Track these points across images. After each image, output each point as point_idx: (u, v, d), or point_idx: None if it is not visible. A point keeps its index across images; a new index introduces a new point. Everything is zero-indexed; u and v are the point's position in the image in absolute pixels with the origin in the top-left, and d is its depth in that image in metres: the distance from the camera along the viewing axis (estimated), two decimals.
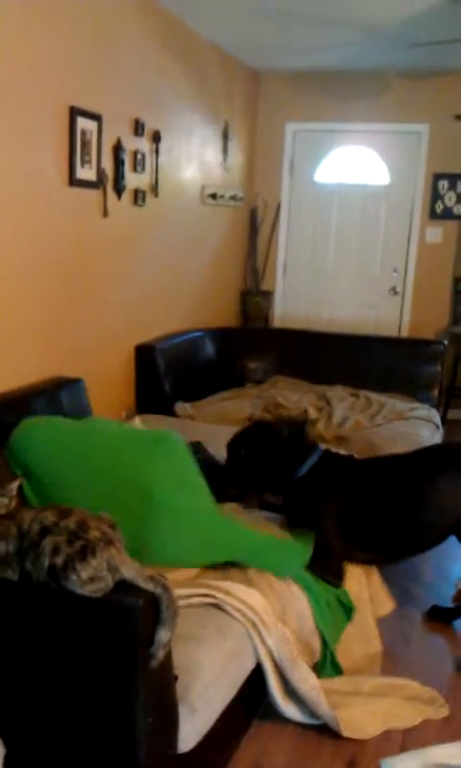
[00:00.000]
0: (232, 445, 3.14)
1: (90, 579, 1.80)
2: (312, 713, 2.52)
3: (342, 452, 3.22)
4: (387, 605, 3.22)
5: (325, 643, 2.73)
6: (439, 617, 3.30)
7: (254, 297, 6.42)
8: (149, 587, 1.82)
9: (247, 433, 3.16)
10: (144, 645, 1.80)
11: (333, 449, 3.22)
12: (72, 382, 3.52)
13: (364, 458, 3.29)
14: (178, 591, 2.27)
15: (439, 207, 6.24)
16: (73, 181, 3.71)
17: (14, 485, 2.41)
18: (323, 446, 3.14)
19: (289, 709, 2.51)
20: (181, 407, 4.50)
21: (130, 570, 1.84)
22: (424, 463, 3.12)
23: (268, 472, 3.07)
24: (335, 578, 2.87)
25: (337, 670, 2.75)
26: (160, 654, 1.80)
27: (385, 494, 2.99)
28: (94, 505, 2.53)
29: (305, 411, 4.60)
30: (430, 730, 2.60)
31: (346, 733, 2.49)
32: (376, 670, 2.89)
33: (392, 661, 2.99)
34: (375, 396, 4.91)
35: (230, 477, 3.12)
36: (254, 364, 5.25)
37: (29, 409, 3.04)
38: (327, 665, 2.74)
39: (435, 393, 5.22)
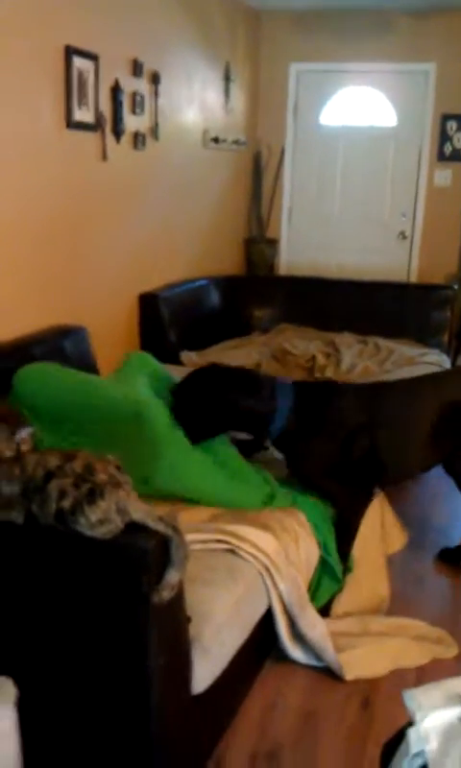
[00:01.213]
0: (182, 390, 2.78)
1: (100, 521, 1.77)
2: (318, 657, 2.53)
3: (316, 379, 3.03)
4: (400, 539, 3.22)
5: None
6: (449, 559, 3.29)
7: (258, 244, 6.31)
8: (159, 527, 1.79)
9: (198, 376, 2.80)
10: (154, 586, 1.78)
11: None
12: (74, 331, 3.47)
13: (350, 383, 3.17)
14: (191, 536, 2.25)
15: (448, 149, 6.08)
16: (70, 124, 3.60)
17: (25, 431, 2.37)
18: (287, 379, 2.83)
19: (296, 653, 2.54)
20: (186, 356, 4.44)
21: (139, 512, 1.80)
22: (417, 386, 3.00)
23: (229, 414, 2.71)
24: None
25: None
26: (166, 594, 1.77)
27: (378, 417, 2.81)
28: (99, 441, 2.54)
29: (313, 358, 4.54)
30: (444, 669, 2.61)
31: (349, 677, 2.51)
32: (383, 611, 2.90)
33: (403, 602, 2.99)
34: (383, 342, 4.85)
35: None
36: (260, 312, 5.18)
37: (30, 357, 2.99)
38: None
39: (445, 338, 5.15)
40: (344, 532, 2.81)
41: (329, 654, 2.50)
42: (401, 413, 2.87)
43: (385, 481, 3.05)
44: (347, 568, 2.84)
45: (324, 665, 2.54)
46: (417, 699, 1.13)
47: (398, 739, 1.16)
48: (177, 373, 3.06)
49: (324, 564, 2.73)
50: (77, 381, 2.83)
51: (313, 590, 2.71)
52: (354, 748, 2.27)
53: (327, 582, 2.74)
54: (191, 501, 2.62)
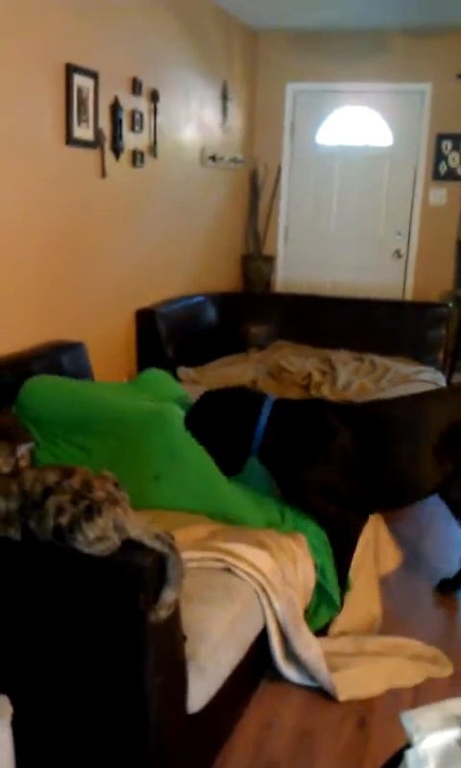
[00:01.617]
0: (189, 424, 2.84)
1: (97, 539, 1.77)
2: (312, 677, 2.52)
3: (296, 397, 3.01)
4: (394, 559, 3.21)
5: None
6: (448, 589, 3.24)
7: (255, 261, 6.34)
8: (156, 545, 1.78)
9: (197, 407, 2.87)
10: (151, 604, 1.77)
11: (287, 397, 2.97)
12: (73, 346, 3.47)
13: (331, 401, 3.14)
14: (187, 554, 2.25)
15: (443, 168, 6.13)
16: (70, 140, 3.63)
17: (24, 447, 2.39)
18: (273, 396, 2.85)
19: (290, 672, 2.53)
20: (183, 372, 4.45)
21: (136, 529, 1.80)
22: (416, 405, 2.94)
23: (225, 436, 2.76)
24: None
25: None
26: (163, 613, 1.76)
27: (374, 438, 2.79)
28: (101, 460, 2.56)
29: (309, 375, 4.55)
30: (440, 689, 2.60)
31: (342, 698, 2.50)
32: (376, 630, 2.88)
33: (399, 621, 2.98)
34: (379, 360, 4.86)
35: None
36: (256, 328, 5.19)
37: (29, 372, 3.00)
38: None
39: (440, 356, 5.17)
40: (339, 555, 2.77)
41: (323, 674, 2.49)
42: (399, 433, 2.84)
43: (384, 504, 3.00)
44: (345, 588, 2.82)
45: (318, 685, 2.53)
46: (415, 721, 1.13)
47: (395, 761, 1.16)
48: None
49: (322, 589, 2.71)
50: (81, 394, 2.86)
51: (312, 612, 2.70)
52: (349, 766, 2.26)
53: (325, 606, 2.73)
54: (192, 511, 2.62)
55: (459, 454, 2.83)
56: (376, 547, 3.10)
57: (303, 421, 2.78)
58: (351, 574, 2.87)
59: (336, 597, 2.74)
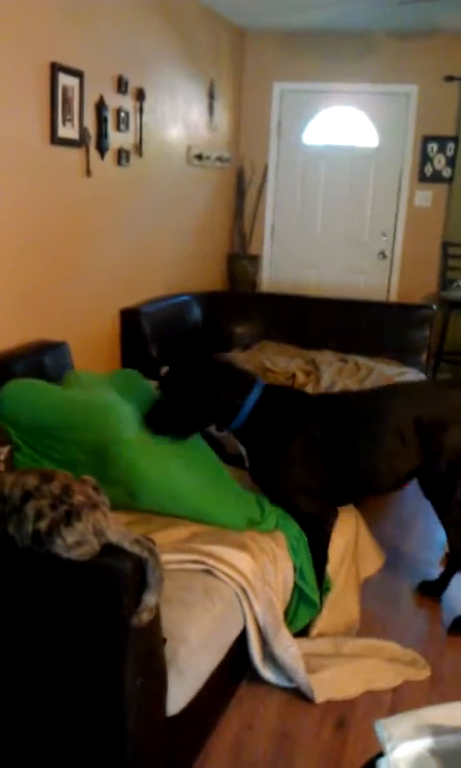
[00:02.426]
0: (167, 378, 2.91)
1: (76, 543, 1.77)
2: (289, 678, 2.53)
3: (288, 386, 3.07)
4: (376, 562, 3.22)
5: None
6: (429, 592, 3.26)
7: (241, 261, 6.34)
8: (135, 550, 1.79)
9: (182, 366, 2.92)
10: (132, 608, 1.77)
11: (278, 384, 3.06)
12: (56, 346, 3.46)
13: (316, 393, 3.17)
14: (167, 557, 2.25)
15: (428, 170, 6.16)
16: (55, 140, 3.61)
17: (4, 450, 2.38)
18: (263, 381, 2.93)
19: (267, 673, 2.53)
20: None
21: (115, 534, 1.80)
22: (379, 398, 2.99)
23: (206, 407, 2.81)
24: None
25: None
26: (145, 616, 1.77)
27: (339, 430, 2.85)
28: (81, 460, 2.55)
29: (294, 375, 4.56)
30: (419, 691, 2.62)
31: (320, 700, 2.51)
32: (353, 633, 2.89)
33: (378, 623, 2.99)
34: (363, 361, 4.87)
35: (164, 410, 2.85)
36: (241, 328, 5.20)
37: (10, 372, 2.98)
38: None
39: (423, 357, 5.19)
40: (314, 549, 2.79)
41: (301, 676, 2.50)
42: (368, 423, 2.87)
43: (353, 494, 3.04)
44: (325, 589, 2.83)
45: (294, 686, 2.54)
46: (388, 729, 1.14)
47: None
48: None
49: (301, 590, 2.72)
50: (58, 399, 2.84)
51: (291, 614, 2.71)
52: None
53: (304, 606, 2.74)
54: (173, 514, 2.62)
55: (425, 445, 2.86)
56: (357, 549, 3.11)
57: (284, 409, 2.86)
58: (332, 575, 2.88)
59: (315, 598, 2.75)
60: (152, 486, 2.59)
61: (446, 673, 2.72)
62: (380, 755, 1.12)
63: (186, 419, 2.82)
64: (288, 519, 2.76)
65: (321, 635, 2.78)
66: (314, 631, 2.77)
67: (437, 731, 1.15)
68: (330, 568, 2.89)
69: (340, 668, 2.60)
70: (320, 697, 2.51)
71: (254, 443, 2.85)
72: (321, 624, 2.80)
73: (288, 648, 2.49)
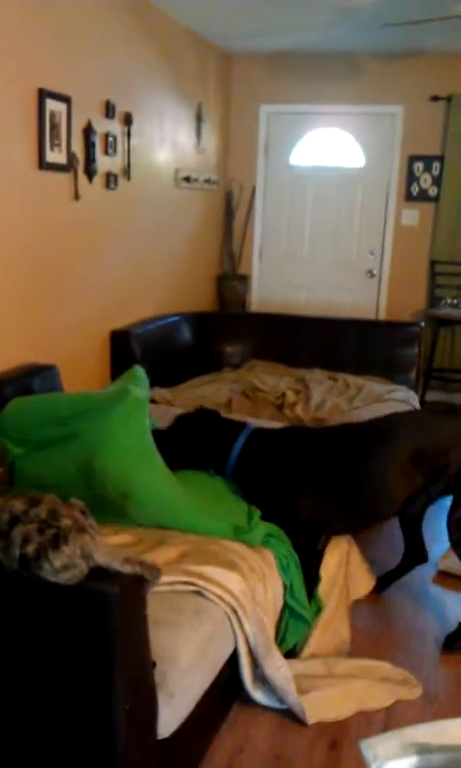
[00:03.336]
0: (175, 427, 3.09)
1: (64, 567, 1.77)
2: (280, 699, 2.52)
3: (275, 425, 3.16)
4: (367, 584, 3.22)
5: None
6: (381, 587, 3.34)
7: (230, 281, 6.38)
8: (126, 569, 1.79)
9: (188, 416, 3.13)
10: (121, 632, 1.78)
11: (265, 426, 3.16)
12: (45, 369, 3.48)
13: (299, 427, 3.29)
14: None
15: (415, 189, 6.22)
16: (43, 164, 3.65)
17: None
18: (252, 424, 3.09)
19: (257, 695, 2.52)
20: (158, 393, 4.46)
21: (104, 556, 1.81)
22: (372, 431, 3.04)
23: (201, 451, 3.00)
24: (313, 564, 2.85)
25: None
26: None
27: (332, 464, 2.92)
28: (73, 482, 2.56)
29: (283, 394, 4.58)
30: (413, 711, 2.61)
31: (311, 721, 2.50)
32: (344, 653, 2.89)
33: (371, 641, 2.99)
34: (352, 379, 4.90)
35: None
36: (231, 348, 5.22)
37: (0, 397, 3.00)
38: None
39: (413, 375, 5.21)
40: (306, 565, 2.80)
41: (292, 697, 2.49)
42: (371, 456, 2.91)
43: (350, 526, 3.07)
44: (317, 609, 2.83)
45: (285, 707, 2.53)
46: (374, 748, 1.14)
47: None
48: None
49: (291, 610, 2.72)
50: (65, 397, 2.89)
51: (282, 633, 2.71)
52: None
53: (295, 624, 2.73)
54: (163, 526, 2.63)
55: (423, 476, 2.90)
56: (348, 571, 3.11)
57: (275, 451, 2.96)
58: (323, 596, 2.88)
59: (308, 615, 2.75)
60: (145, 489, 2.61)
61: (439, 691, 2.72)
62: None
63: (179, 462, 2.93)
64: (279, 537, 2.77)
65: (312, 656, 2.77)
66: (305, 651, 2.77)
67: (422, 749, 1.15)
68: (322, 589, 2.90)
69: (332, 689, 2.59)
70: (312, 718, 2.50)
71: (249, 484, 2.95)
72: (312, 645, 2.79)
73: (279, 668, 2.48)
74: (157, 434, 2.84)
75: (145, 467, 2.66)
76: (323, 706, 2.53)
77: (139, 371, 3.14)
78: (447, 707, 2.65)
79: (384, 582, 3.38)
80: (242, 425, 3.05)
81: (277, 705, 2.54)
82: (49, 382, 3.42)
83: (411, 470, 2.87)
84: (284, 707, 2.53)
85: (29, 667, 1.88)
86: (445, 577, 3.56)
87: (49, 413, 2.87)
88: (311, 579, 2.83)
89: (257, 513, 2.81)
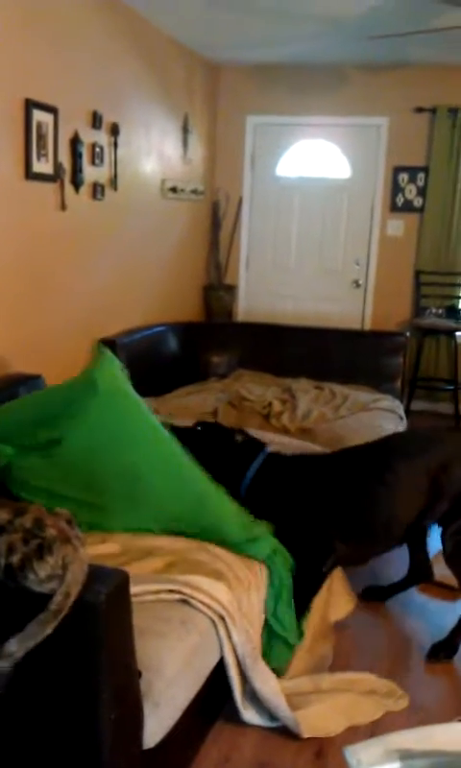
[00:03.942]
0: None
1: (48, 577, 1.77)
2: (272, 716, 2.50)
3: (289, 452, 3.14)
4: (347, 606, 3.19)
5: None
6: (372, 597, 3.35)
7: (217, 291, 6.40)
8: (43, 588, 1.75)
9: (197, 432, 3.10)
10: (107, 639, 1.77)
11: (280, 451, 3.13)
12: (30, 379, 3.47)
13: (312, 454, 3.26)
14: (143, 587, 2.25)
15: (400, 200, 6.28)
16: (29, 175, 3.66)
17: None
18: (269, 449, 3.08)
19: (248, 714, 2.50)
20: (144, 402, 4.45)
21: (76, 573, 1.78)
22: (376, 455, 3.05)
23: (216, 474, 2.88)
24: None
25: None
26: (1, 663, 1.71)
27: (341, 490, 2.93)
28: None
29: (270, 404, 4.59)
30: (399, 719, 2.61)
31: (307, 735, 2.49)
32: (326, 669, 2.86)
33: (357, 651, 2.99)
34: (338, 389, 4.92)
35: None
36: (217, 358, 5.23)
37: None
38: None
39: (398, 384, 5.24)
40: (304, 589, 2.79)
41: (283, 710, 2.47)
42: (381, 478, 2.91)
43: (366, 550, 3.07)
44: (301, 634, 2.80)
45: (278, 725, 2.51)
46: (357, 755, 1.15)
47: None
48: None
49: (273, 633, 2.70)
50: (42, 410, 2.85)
51: (265, 652, 2.69)
52: None
53: (278, 647, 2.70)
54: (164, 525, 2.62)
55: (429, 494, 2.91)
56: (329, 592, 3.10)
57: (287, 478, 2.98)
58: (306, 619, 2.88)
59: (291, 639, 2.71)
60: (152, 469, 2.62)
61: (425, 700, 2.72)
62: None
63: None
64: (284, 556, 2.75)
65: (296, 675, 2.75)
66: (289, 672, 2.74)
67: (406, 755, 1.15)
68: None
69: (321, 704, 2.57)
70: (306, 732, 2.49)
71: (262, 506, 2.90)
72: (295, 665, 2.77)
73: (267, 681, 2.46)
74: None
75: (147, 446, 2.65)
76: (313, 722, 2.51)
77: (105, 352, 3.04)
78: (433, 715, 2.65)
79: (386, 593, 3.38)
80: (259, 446, 3.06)
81: (269, 723, 2.51)
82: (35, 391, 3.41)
83: (419, 490, 2.89)
84: (277, 724, 2.51)
85: (13, 675, 1.87)
86: (431, 586, 3.56)
87: (33, 415, 2.81)
88: (305, 603, 2.81)
89: (269, 525, 2.79)
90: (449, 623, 3.09)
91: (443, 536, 2.98)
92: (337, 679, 2.74)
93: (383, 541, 3.02)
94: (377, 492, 2.90)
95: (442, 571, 3.62)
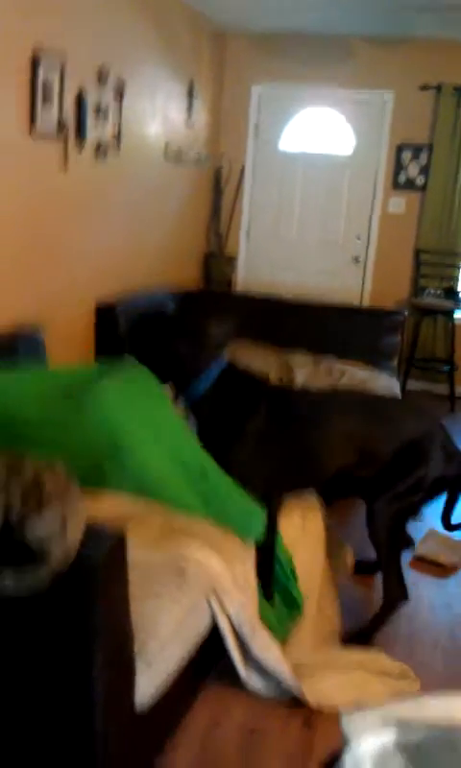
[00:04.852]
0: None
1: (47, 534, 1.73)
2: (277, 685, 2.48)
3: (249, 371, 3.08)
4: (346, 560, 3.21)
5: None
6: (363, 571, 3.36)
7: (217, 261, 6.34)
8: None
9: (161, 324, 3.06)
10: (104, 597, 1.75)
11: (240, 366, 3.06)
12: (30, 335, 3.42)
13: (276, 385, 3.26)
14: (140, 554, 2.22)
15: (402, 178, 6.21)
16: (33, 131, 3.58)
17: None
18: (224, 361, 2.99)
19: (252, 680, 2.48)
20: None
21: (74, 531, 1.75)
22: (327, 401, 3.05)
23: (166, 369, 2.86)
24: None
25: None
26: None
27: (282, 422, 2.88)
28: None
29: (268, 377, 4.55)
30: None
31: (314, 704, 2.47)
32: (336, 641, 2.86)
33: (347, 628, 2.98)
34: (336, 364, 4.89)
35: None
36: (216, 327, 5.17)
37: None
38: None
39: (395, 363, 5.22)
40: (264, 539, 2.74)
41: (287, 677, 2.45)
42: (318, 418, 2.90)
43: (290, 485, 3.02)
44: (295, 609, 2.79)
45: (285, 695, 2.49)
46: (354, 722, 1.13)
47: (333, 763, 1.15)
48: None
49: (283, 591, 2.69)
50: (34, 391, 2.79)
51: (272, 620, 2.66)
52: (295, 765, 2.26)
53: (287, 610, 2.71)
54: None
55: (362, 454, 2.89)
56: (326, 555, 3.08)
57: (237, 393, 2.89)
58: (308, 580, 2.86)
59: (296, 593, 2.72)
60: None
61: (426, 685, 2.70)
62: (346, 748, 1.11)
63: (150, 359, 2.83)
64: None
65: (304, 644, 2.74)
66: (297, 638, 2.72)
67: (402, 724, 1.14)
68: (306, 574, 2.87)
69: (328, 680, 2.55)
70: (312, 700, 2.47)
71: (206, 420, 2.85)
72: (303, 632, 2.75)
73: (268, 649, 2.42)
74: None
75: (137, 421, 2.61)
76: (322, 692, 2.50)
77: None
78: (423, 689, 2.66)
79: (375, 567, 3.34)
80: (216, 357, 2.97)
81: (275, 693, 2.49)
82: (34, 348, 3.36)
83: (344, 446, 2.86)
84: (283, 693, 2.49)
85: (7, 636, 1.85)
86: (420, 562, 3.57)
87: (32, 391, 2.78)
88: (268, 550, 2.75)
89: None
90: (438, 599, 3.09)
91: (375, 504, 2.91)
92: (348, 656, 2.72)
93: (309, 479, 3.00)
94: (312, 432, 2.88)
95: (432, 548, 3.66)
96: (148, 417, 2.64)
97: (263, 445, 2.83)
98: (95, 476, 2.56)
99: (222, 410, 2.85)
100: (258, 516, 2.66)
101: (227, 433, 2.82)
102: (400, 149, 6.15)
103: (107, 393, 2.58)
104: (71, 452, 2.47)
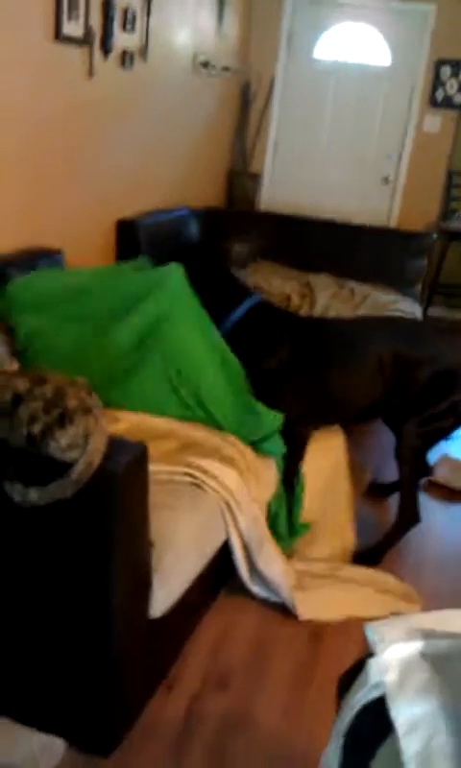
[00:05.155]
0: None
1: (70, 446, 1.77)
2: (276, 593, 2.59)
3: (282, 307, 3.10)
4: (365, 478, 3.26)
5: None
6: (378, 493, 3.42)
7: (241, 178, 6.20)
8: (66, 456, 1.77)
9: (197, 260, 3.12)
10: (123, 509, 1.79)
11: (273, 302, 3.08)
12: (50, 253, 3.39)
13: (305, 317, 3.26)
14: (156, 467, 2.26)
15: (440, 95, 5.97)
16: (58, 36, 3.46)
17: (15, 364, 2.40)
18: (259, 297, 3.01)
19: (254, 587, 2.59)
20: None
21: (98, 445, 1.78)
22: (359, 330, 3.02)
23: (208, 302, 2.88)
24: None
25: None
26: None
27: (316, 354, 2.90)
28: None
29: (288, 297, 4.53)
30: None
31: (303, 617, 2.57)
32: (347, 561, 2.93)
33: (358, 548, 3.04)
34: (358, 288, 4.83)
35: None
36: (238, 246, 5.11)
37: (3, 278, 2.93)
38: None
39: (419, 287, 5.15)
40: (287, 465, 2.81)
41: (285, 591, 2.56)
42: (348, 351, 2.89)
43: (319, 419, 3.04)
44: (298, 528, 2.86)
45: (281, 601, 2.60)
46: (380, 631, 1.15)
47: (357, 669, 1.19)
48: None
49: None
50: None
51: (282, 527, 2.75)
52: (301, 676, 2.36)
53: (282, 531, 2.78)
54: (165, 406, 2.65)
55: (395, 379, 2.88)
56: (345, 474, 3.13)
57: (265, 327, 2.93)
58: (320, 498, 2.91)
59: (285, 533, 2.78)
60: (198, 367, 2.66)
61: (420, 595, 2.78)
62: (369, 655, 1.14)
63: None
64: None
65: (316, 558, 2.82)
66: (310, 552, 2.81)
67: (428, 634, 1.15)
68: (316, 499, 2.92)
69: (329, 590, 2.65)
70: (303, 615, 2.57)
71: (237, 351, 2.86)
72: (317, 547, 2.84)
73: (272, 563, 2.53)
74: None
75: (202, 342, 2.68)
76: (317, 605, 2.59)
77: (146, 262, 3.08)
78: (427, 609, 2.73)
79: (389, 489, 3.42)
80: (248, 294, 3.00)
81: (273, 597, 2.60)
82: (55, 266, 3.34)
83: (378, 375, 2.85)
84: (280, 600, 2.59)
85: (26, 545, 1.90)
86: (433, 487, 3.61)
87: (67, 286, 2.85)
88: (291, 475, 2.83)
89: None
90: (448, 524, 3.13)
91: (405, 426, 2.92)
92: (357, 571, 2.80)
93: (339, 415, 3.03)
94: (344, 364, 2.89)
95: (444, 473, 3.69)
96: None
97: (289, 382, 2.83)
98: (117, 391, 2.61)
99: (248, 344, 2.85)
100: (279, 439, 2.71)
101: (250, 368, 2.83)
102: (439, 64, 5.90)
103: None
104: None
